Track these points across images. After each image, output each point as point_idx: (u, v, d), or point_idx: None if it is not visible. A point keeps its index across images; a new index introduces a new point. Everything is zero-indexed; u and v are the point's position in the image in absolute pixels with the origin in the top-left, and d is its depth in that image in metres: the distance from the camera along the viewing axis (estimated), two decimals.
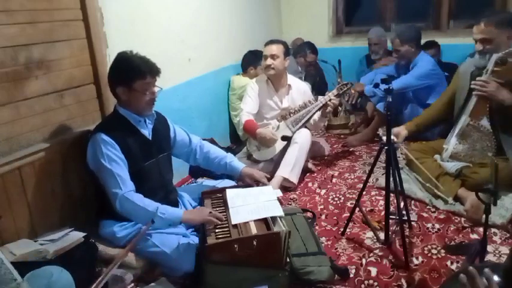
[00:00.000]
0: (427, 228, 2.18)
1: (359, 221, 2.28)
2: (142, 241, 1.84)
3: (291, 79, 3.09)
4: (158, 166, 2.00)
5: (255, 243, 1.63)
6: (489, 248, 1.92)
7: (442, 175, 2.39)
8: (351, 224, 2.21)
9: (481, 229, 1.96)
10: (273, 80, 3.02)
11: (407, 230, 2.14)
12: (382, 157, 2.00)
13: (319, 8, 4.72)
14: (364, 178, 2.20)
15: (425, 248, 2.00)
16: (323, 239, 2.14)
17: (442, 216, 2.28)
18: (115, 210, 1.80)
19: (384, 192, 2.11)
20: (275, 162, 2.85)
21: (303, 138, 2.82)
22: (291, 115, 2.90)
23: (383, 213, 2.17)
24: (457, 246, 1.99)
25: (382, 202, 2.45)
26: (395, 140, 2.29)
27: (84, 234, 1.74)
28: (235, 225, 1.76)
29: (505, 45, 2.21)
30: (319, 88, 4.19)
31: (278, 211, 1.81)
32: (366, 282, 1.80)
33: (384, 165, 2.01)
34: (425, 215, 2.30)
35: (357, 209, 2.16)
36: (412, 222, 2.20)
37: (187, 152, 2.23)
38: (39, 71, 1.84)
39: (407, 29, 3.36)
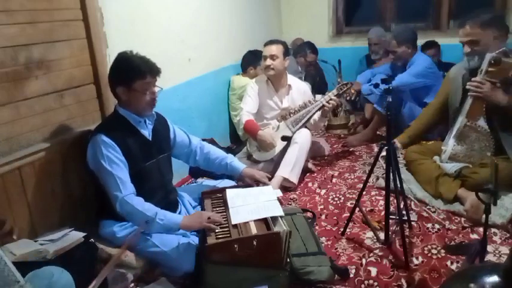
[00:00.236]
0: (427, 228, 2.18)
1: (359, 221, 2.28)
2: (142, 241, 1.85)
3: (291, 79, 3.09)
4: (158, 166, 2.00)
5: (255, 243, 1.63)
6: (489, 248, 1.92)
7: (441, 176, 2.39)
8: (351, 224, 2.21)
9: (481, 229, 1.96)
10: (273, 80, 3.02)
11: (407, 230, 2.14)
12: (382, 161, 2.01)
13: (319, 8, 4.72)
14: (364, 178, 2.20)
15: (425, 248, 2.00)
16: (323, 239, 2.14)
17: (442, 216, 2.28)
18: (115, 210, 1.80)
19: (384, 192, 2.11)
20: (275, 163, 2.85)
21: (303, 138, 2.82)
22: (291, 115, 2.90)
23: (383, 213, 2.17)
24: (457, 246, 1.99)
25: (382, 202, 2.45)
26: None
27: (84, 234, 1.73)
28: (235, 225, 1.76)
29: (492, 45, 2.21)
30: (319, 88, 4.19)
31: (278, 211, 1.81)
32: (366, 282, 1.80)
33: (384, 165, 2.01)
34: (425, 215, 2.30)
35: (357, 209, 2.16)
36: (412, 222, 2.20)
37: (187, 153, 2.23)
38: (39, 71, 1.84)
39: (404, 30, 3.37)
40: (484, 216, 1.59)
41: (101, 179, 1.84)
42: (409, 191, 2.44)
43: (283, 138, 2.87)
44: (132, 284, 1.82)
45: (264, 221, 1.78)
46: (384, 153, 1.91)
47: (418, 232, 2.15)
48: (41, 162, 1.83)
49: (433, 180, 2.41)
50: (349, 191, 2.68)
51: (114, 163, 1.80)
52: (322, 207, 2.50)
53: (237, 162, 2.24)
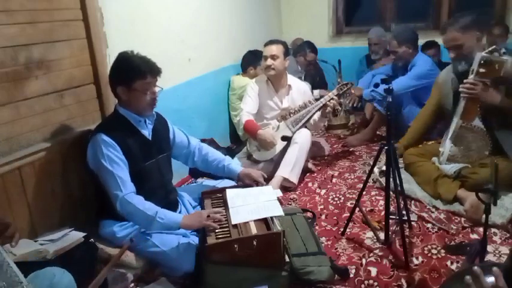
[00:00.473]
0: (427, 228, 2.18)
1: (359, 221, 2.28)
2: (142, 241, 1.85)
3: (291, 79, 3.09)
4: (158, 166, 2.00)
5: (255, 243, 1.63)
6: (489, 248, 1.92)
7: (440, 177, 2.39)
8: (351, 224, 2.21)
9: (481, 229, 1.96)
10: (273, 81, 3.02)
11: (407, 230, 2.14)
12: (382, 157, 2.01)
13: (319, 8, 4.72)
14: (364, 178, 2.20)
15: (425, 248, 2.00)
16: (323, 239, 2.14)
17: (442, 216, 2.28)
18: (115, 210, 1.80)
19: (383, 192, 2.11)
20: (275, 163, 2.85)
21: (303, 138, 2.82)
22: (291, 115, 2.90)
23: (383, 213, 2.17)
24: (457, 246, 1.99)
25: (382, 202, 2.45)
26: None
27: (84, 234, 1.73)
28: (235, 225, 1.76)
29: (477, 47, 2.21)
30: (319, 88, 4.19)
31: (278, 211, 1.81)
32: (366, 282, 1.80)
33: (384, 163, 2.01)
34: (425, 215, 2.30)
35: (357, 209, 2.16)
36: (412, 222, 2.20)
37: (186, 154, 2.23)
38: (39, 71, 1.84)
39: (404, 30, 3.36)
40: (484, 216, 1.59)
41: (101, 178, 1.84)
42: (409, 190, 2.44)
43: (283, 138, 2.87)
44: (132, 284, 1.82)
45: (264, 221, 1.78)
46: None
47: (418, 232, 2.15)
48: (41, 162, 1.83)
49: (432, 181, 2.41)
50: (349, 191, 2.68)
51: (115, 162, 1.80)
52: (322, 207, 2.50)
53: (234, 165, 2.24)
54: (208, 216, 1.79)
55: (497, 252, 1.94)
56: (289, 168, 2.72)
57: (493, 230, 2.10)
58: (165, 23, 2.71)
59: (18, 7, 1.73)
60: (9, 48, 1.70)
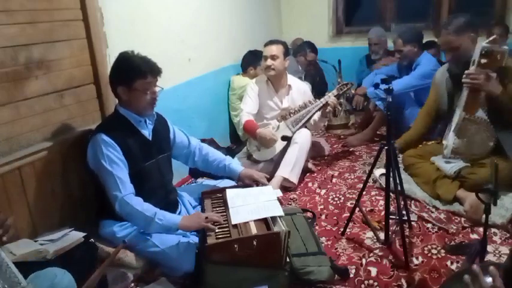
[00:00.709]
0: (427, 228, 2.18)
1: (359, 221, 2.28)
2: (142, 241, 1.85)
3: (291, 79, 3.09)
4: (158, 166, 2.00)
5: (255, 243, 1.63)
6: (489, 248, 1.91)
7: (440, 178, 2.39)
8: (351, 224, 2.21)
9: (481, 229, 1.96)
10: (273, 81, 3.02)
11: (407, 230, 2.14)
12: (382, 157, 2.01)
13: (319, 8, 4.72)
14: (364, 178, 2.20)
15: (425, 248, 2.00)
16: (323, 239, 2.14)
17: (442, 216, 2.28)
18: (115, 210, 1.80)
19: (384, 192, 2.11)
20: (275, 163, 2.85)
21: (303, 138, 2.82)
22: (291, 115, 2.90)
23: (383, 213, 2.17)
24: (457, 246, 1.99)
25: (382, 202, 2.45)
26: None
27: (84, 234, 1.73)
28: (235, 225, 1.76)
29: (473, 48, 2.20)
30: (319, 88, 4.19)
31: (278, 211, 1.81)
32: (366, 282, 1.80)
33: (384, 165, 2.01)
34: (425, 215, 2.30)
35: (357, 209, 2.16)
36: (412, 222, 2.20)
37: (186, 154, 2.23)
38: (39, 71, 1.84)
39: (410, 29, 3.36)
40: (483, 216, 1.59)
41: (100, 179, 1.84)
42: (409, 190, 2.44)
43: (283, 138, 2.87)
44: (132, 284, 1.82)
45: (264, 221, 1.78)
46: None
47: (418, 232, 2.15)
48: (41, 162, 1.83)
49: (431, 182, 2.41)
50: (349, 191, 2.68)
51: (114, 163, 1.80)
52: (322, 207, 2.50)
53: (234, 165, 2.24)
54: (206, 218, 1.79)
55: (497, 252, 1.94)
56: (289, 168, 2.72)
57: (493, 230, 2.10)
58: (165, 23, 2.71)
59: (18, 7, 1.73)
60: (9, 48, 1.70)
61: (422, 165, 2.53)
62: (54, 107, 1.94)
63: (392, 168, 1.90)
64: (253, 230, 1.72)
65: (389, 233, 1.97)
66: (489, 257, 1.88)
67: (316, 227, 2.27)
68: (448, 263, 1.88)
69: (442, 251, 1.97)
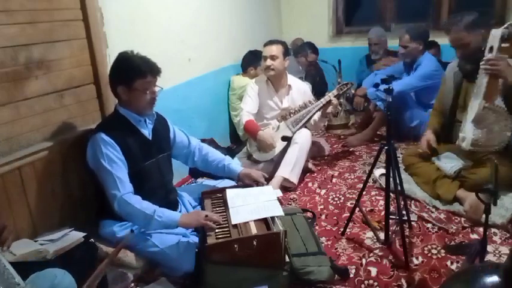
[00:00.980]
0: (427, 228, 2.18)
1: (359, 221, 2.28)
2: (142, 241, 1.85)
3: (291, 79, 3.09)
4: (158, 166, 2.00)
5: (255, 243, 1.63)
6: (489, 248, 1.92)
7: (440, 178, 2.39)
8: (351, 224, 2.21)
9: (481, 229, 1.96)
10: (273, 81, 3.02)
11: (407, 230, 2.14)
12: (382, 157, 2.01)
13: (319, 8, 4.72)
14: (364, 178, 2.20)
15: (425, 248, 2.00)
16: (323, 239, 2.14)
17: (442, 216, 2.28)
18: (114, 209, 1.80)
19: (384, 192, 2.11)
20: (275, 163, 2.85)
21: (303, 139, 2.82)
22: (291, 115, 2.90)
23: (383, 213, 2.17)
24: (457, 246, 1.99)
25: (382, 202, 2.45)
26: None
27: (84, 234, 1.74)
28: (235, 225, 1.76)
29: (481, 45, 2.19)
30: (319, 88, 4.19)
31: (278, 211, 1.81)
32: (366, 282, 1.80)
33: (384, 165, 2.01)
34: (425, 215, 2.30)
35: (357, 209, 2.16)
36: (412, 222, 2.20)
37: (186, 154, 2.23)
38: (39, 71, 1.84)
39: (418, 27, 3.38)
40: (483, 216, 1.59)
41: (99, 178, 1.84)
42: (409, 191, 2.44)
43: (283, 138, 2.87)
44: (132, 284, 1.82)
45: (264, 221, 1.78)
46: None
47: (418, 232, 2.15)
48: (41, 162, 1.83)
49: (431, 182, 2.41)
50: (349, 191, 2.68)
51: (114, 162, 1.80)
52: (322, 207, 2.50)
53: (234, 165, 2.24)
54: (206, 216, 1.79)
55: (497, 252, 1.94)
56: (289, 168, 2.72)
57: (493, 230, 2.10)
58: (165, 23, 2.71)
59: (18, 7, 1.73)
60: (9, 48, 1.70)
61: (422, 165, 2.53)
62: (54, 107, 1.94)
63: (392, 168, 1.90)
64: (253, 230, 1.72)
65: (389, 233, 1.97)
66: (489, 257, 1.88)
67: (316, 227, 2.27)
68: (448, 263, 1.88)
69: (442, 251, 1.97)
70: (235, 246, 1.63)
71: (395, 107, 2.00)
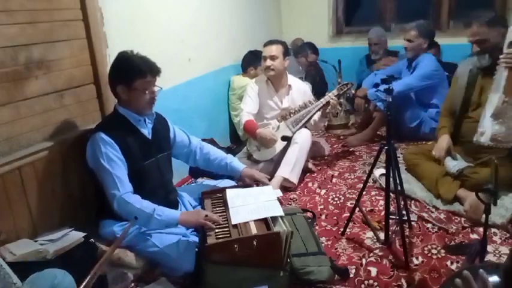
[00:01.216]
0: (427, 228, 2.18)
1: (359, 221, 2.28)
2: (142, 241, 1.85)
3: (291, 79, 3.09)
4: (158, 165, 2.01)
5: (255, 243, 1.63)
6: (489, 248, 1.91)
7: (441, 177, 2.39)
8: (351, 224, 2.21)
9: (481, 229, 1.96)
10: (273, 81, 3.02)
11: (407, 230, 2.14)
12: (382, 157, 2.01)
13: (319, 8, 4.72)
14: (364, 178, 2.20)
15: (425, 248, 2.00)
16: (323, 239, 2.14)
17: (442, 216, 2.28)
18: (114, 209, 1.80)
19: (384, 192, 2.11)
20: (275, 163, 2.85)
21: (303, 139, 2.82)
22: (291, 115, 2.90)
23: (383, 213, 2.17)
24: (457, 246, 1.99)
25: (382, 202, 2.45)
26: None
27: (84, 234, 1.74)
28: (235, 225, 1.76)
29: (500, 42, 2.19)
30: (319, 88, 4.19)
31: (278, 211, 1.81)
32: (366, 282, 1.80)
33: (384, 165, 2.01)
34: (425, 215, 2.30)
35: (357, 209, 2.16)
36: (412, 222, 2.20)
37: (187, 153, 2.23)
38: (39, 71, 1.84)
39: (428, 24, 3.37)
40: (483, 216, 1.59)
41: (99, 177, 1.84)
42: (409, 190, 2.44)
43: (284, 138, 2.87)
44: (132, 284, 1.82)
45: (264, 221, 1.78)
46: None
47: (418, 232, 2.15)
48: (41, 162, 1.83)
49: (432, 181, 2.41)
50: (349, 191, 2.68)
51: (113, 161, 1.80)
52: (322, 207, 2.50)
53: (236, 163, 2.24)
54: (206, 216, 1.79)
55: (497, 252, 1.94)
56: (289, 168, 2.72)
57: (493, 230, 2.10)
58: (165, 23, 2.71)
59: (18, 7, 1.73)
60: (9, 48, 1.70)
61: (423, 163, 2.53)
62: (54, 107, 1.94)
63: (392, 168, 1.90)
64: (253, 230, 1.72)
65: (389, 233, 1.97)
66: (489, 257, 1.88)
67: (316, 227, 2.27)
68: (448, 263, 1.88)
69: (442, 251, 1.97)
70: (235, 246, 1.63)
71: (395, 107, 2.00)
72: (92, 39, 2.08)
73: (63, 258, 1.59)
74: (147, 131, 1.98)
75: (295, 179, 2.74)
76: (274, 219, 1.77)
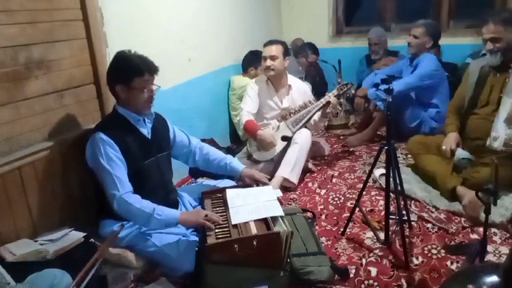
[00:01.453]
0: (427, 228, 2.18)
1: (359, 221, 2.28)
2: (142, 241, 1.85)
3: (291, 79, 3.09)
4: (158, 165, 2.01)
5: (255, 243, 1.63)
6: (489, 248, 1.92)
7: (441, 170, 2.42)
8: (351, 224, 2.21)
9: (481, 229, 1.96)
10: (273, 81, 3.02)
11: (407, 230, 2.14)
12: (382, 157, 2.01)
13: (319, 8, 4.72)
14: (364, 178, 2.20)
15: (425, 248, 2.00)
16: (323, 239, 2.14)
17: (442, 216, 2.28)
18: (114, 209, 1.80)
19: (384, 192, 2.11)
20: (275, 163, 2.85)
21: (303, 139, 2.82)
22: (291, 115, 2.90)
23: (383, 213, 2.17)
24: (457, 246, 1.99)
25: (382, 202, 2.45)
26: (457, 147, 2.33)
27: (84, 234, 1.74)
28: (235, 225, 1.76)
29: None
30: (319, 88, 4.19)
31: (278, 211, 1.81)
32: (366, 282, 1.80)
33: (384, 165, 2.01)
34: (425, 215, 2.30)
35: (357, 209, 2.16)
36: (412, 222, 2.20)
37: (187, 153, 2.23)
38: (39, 71, 1.84)
39: (436, 25, 3.38)
40: (482, 214, 1.59)
41: (98, 177, 1.84)
42: (409, 190, 2.44)
43: (283, 138, 2.87)
44: (132, 284, 1.82)
45: (264, 221, 1.78)
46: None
47: (418, 232, 2.15)
48: (41, 162, 1.83)
49: (435, 170, 2.44)
50: (349, 191, 2.68)
51: (112, 161, 1.81)
52: (322, 207, 2.50)
53: (236, 163, 2.24)
54: (206, 215, 1.79)
55: (497, 252, 1.94)
56: (289, 168, 2.72)
57: (493, 230, 2.10)
58: (165, 23, 2.71)
59: (18, 7, 1.73)
60: (9, 48, 1.70)
61: (425, 156, 2.56)
62: (54, 107, 1.94)
63: (392, 168, 1.90)
64: (253, 230, 1.72)
65: (389, 233, 1.97)
66: (489, 257, 1.88)
67: (316, 227, 2.27)
68: (448, 263, 1.88)
69: (442, 251, 1.97)
70: (235, 246, 1.63)
71: (395, 106, 2.00)
72: (92, 39, 2.08)
73: (63, 258, 1.59)
74: (146, 130, 1.98)
75: (295, 179, 2.74)
76: (274, 219, 1.77)
